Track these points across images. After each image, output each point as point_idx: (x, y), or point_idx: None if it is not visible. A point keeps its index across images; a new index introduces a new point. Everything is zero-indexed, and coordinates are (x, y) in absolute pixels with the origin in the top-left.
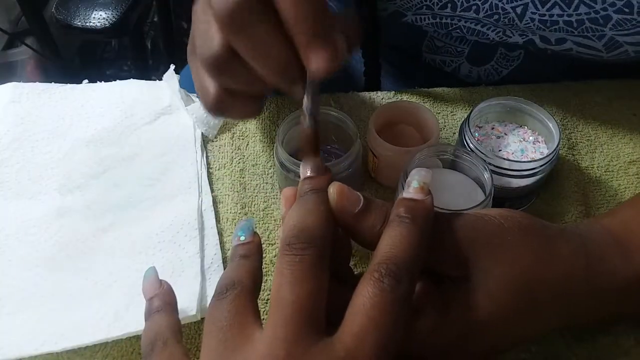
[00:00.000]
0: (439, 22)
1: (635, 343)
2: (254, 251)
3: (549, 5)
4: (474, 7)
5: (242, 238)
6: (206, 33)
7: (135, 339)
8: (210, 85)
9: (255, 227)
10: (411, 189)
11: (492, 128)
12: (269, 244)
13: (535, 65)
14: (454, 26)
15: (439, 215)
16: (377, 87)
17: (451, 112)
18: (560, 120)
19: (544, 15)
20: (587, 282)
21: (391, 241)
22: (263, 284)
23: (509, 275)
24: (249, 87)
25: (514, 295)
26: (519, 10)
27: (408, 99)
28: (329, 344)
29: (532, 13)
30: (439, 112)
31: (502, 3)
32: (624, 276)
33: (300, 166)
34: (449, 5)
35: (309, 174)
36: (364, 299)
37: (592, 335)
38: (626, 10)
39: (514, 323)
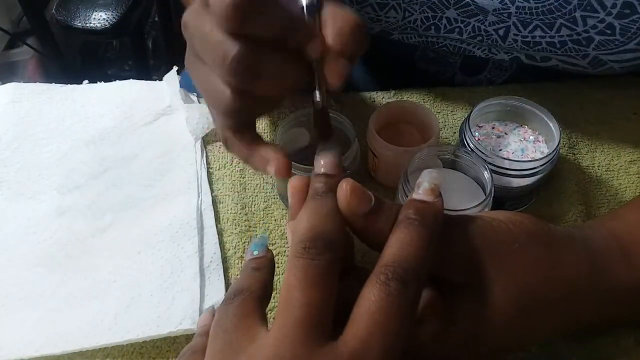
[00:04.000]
0: (425, 41)
1: (635, 343)
2: (265, 264)
3: (530, 27)
4: (457, 30)
5: (255, 253)
6: (209, 85)
7: None
8: (225, 89)
9: (270, 244)
10: (421, 190)
11: (493, 127)
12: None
13: (528, 75)
14: (440, 44)
15: (448, 219)
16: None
17: (451, 111)
18: (561, 120)
19: (527, 37)
20: (591, 289)
21: (399, 243)
22: None
23: (514, 283)
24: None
25: (518, 304)
26: (501, 32)
27: (408, 99)
28: (334, 347)
29: (515, 35)
30: (439, 111)
31: (485, 25)
32: (628, 282)
33: (315, 159)
34: (432, 27)
35: (323, 171)
36: (370, 302)
37: (592, 336)
38: (608, 31)
39: (517, 330)
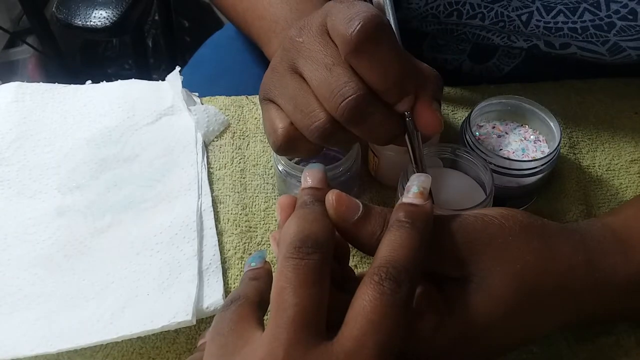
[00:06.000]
0: (444, 29)
1: (636, 343)
2: (263, 274)
3: (553, 12)
4: (479, 15)
5: (253, 264)
6: (306, 103)
7: (135, 339)
8: (279, 124)
9: (267, 256)
10: (410, 194)
11: (493, 127)
12: (269, 243)
13: (537, 62)
14: (459, 32)
15: (440, 218)
16: None
17: (452, 110)
18: (562, 119)
19: (549, 22)
20: (588, 278)
21: (391, 245)
22: None
23: (510, 274)
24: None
25: (516, 294)
26: (524, 17)
27: None
28: (329, 347)
29: (537, 20)
30: None
31: (508, 11)
32: (624, 273)
33: (302, 175)
34: (455, 13)
35: (310, 185)
36: (364, 302)
37: (593, 336)
38: (630, 17)
39: (515, 322)
